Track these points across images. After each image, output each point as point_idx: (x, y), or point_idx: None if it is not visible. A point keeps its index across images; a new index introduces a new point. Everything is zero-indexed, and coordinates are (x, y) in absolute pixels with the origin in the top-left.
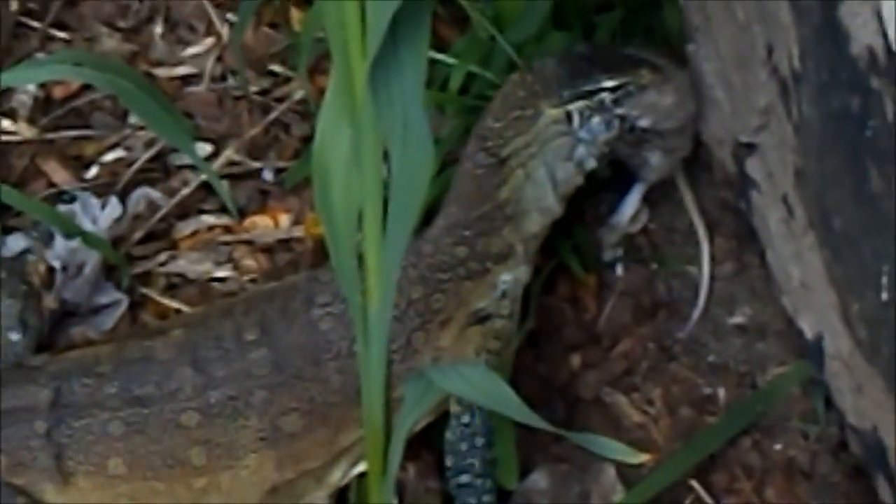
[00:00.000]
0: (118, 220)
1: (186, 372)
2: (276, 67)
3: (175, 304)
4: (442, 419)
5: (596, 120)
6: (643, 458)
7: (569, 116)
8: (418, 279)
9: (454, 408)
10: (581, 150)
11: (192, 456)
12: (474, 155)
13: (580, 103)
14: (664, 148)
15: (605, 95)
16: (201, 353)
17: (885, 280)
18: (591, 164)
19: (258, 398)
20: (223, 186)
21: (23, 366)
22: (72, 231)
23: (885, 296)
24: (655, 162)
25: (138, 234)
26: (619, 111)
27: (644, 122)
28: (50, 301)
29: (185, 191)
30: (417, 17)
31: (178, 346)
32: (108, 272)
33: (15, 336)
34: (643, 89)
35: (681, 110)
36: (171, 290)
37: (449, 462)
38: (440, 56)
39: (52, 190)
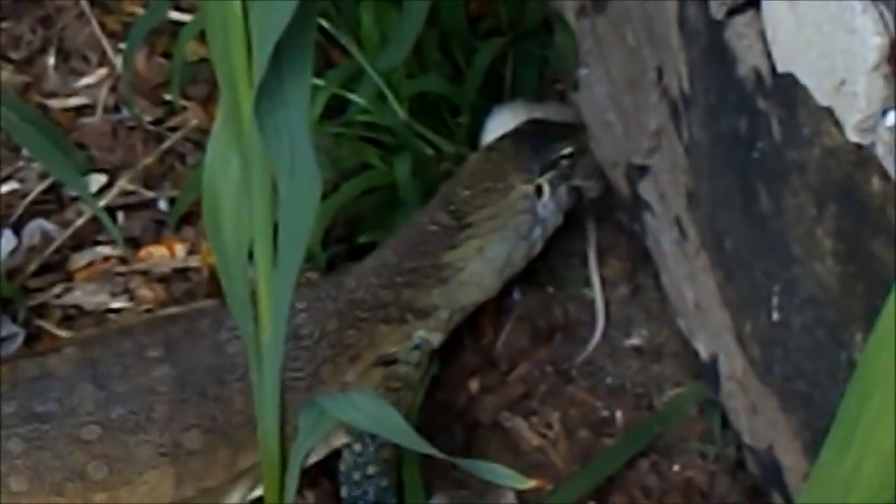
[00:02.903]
0: (13, 253)
1: (87, 388)
2: (169, 97)
3: (71, 336)
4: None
5: (562, 189)
6: (532, 483)
7: (538, 190)
8: (335, 312)
9: (346, 438)
10: (537, 231)
11: (91, 470)
12: (435, 213)
13: (549, 174)
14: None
15: (564, 163)
16: (102, 369)
17: (775, 300)
18: (539, 247)
19: (160, 413)
20: (112, 220)
21: None
22: None
23: (776, 315)
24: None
25: (33, 266)
26: (576, 181)
27: (591, 193)
28: None
29: (80, 222)
30: (300, 45)
31: (76, 362)
32: (4, 305)
33: None
34: (582, 154)
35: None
36: (67, 321)
37: (343, 492)
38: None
39: None
